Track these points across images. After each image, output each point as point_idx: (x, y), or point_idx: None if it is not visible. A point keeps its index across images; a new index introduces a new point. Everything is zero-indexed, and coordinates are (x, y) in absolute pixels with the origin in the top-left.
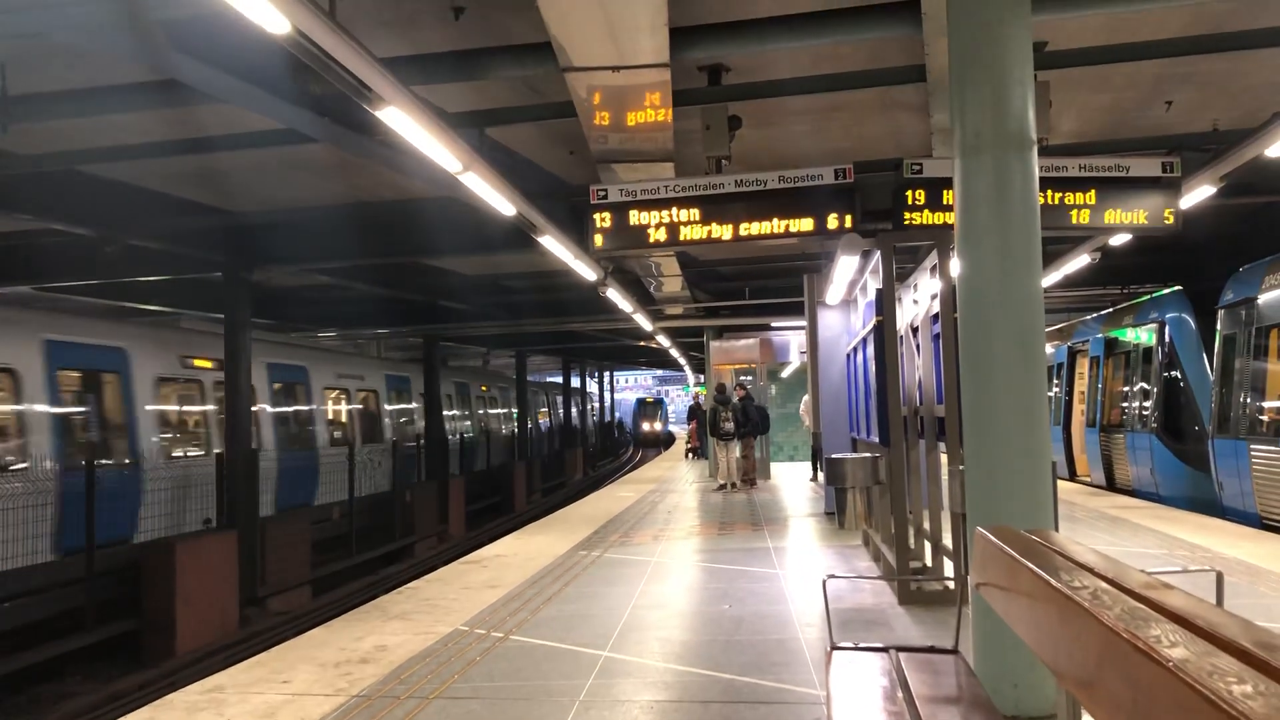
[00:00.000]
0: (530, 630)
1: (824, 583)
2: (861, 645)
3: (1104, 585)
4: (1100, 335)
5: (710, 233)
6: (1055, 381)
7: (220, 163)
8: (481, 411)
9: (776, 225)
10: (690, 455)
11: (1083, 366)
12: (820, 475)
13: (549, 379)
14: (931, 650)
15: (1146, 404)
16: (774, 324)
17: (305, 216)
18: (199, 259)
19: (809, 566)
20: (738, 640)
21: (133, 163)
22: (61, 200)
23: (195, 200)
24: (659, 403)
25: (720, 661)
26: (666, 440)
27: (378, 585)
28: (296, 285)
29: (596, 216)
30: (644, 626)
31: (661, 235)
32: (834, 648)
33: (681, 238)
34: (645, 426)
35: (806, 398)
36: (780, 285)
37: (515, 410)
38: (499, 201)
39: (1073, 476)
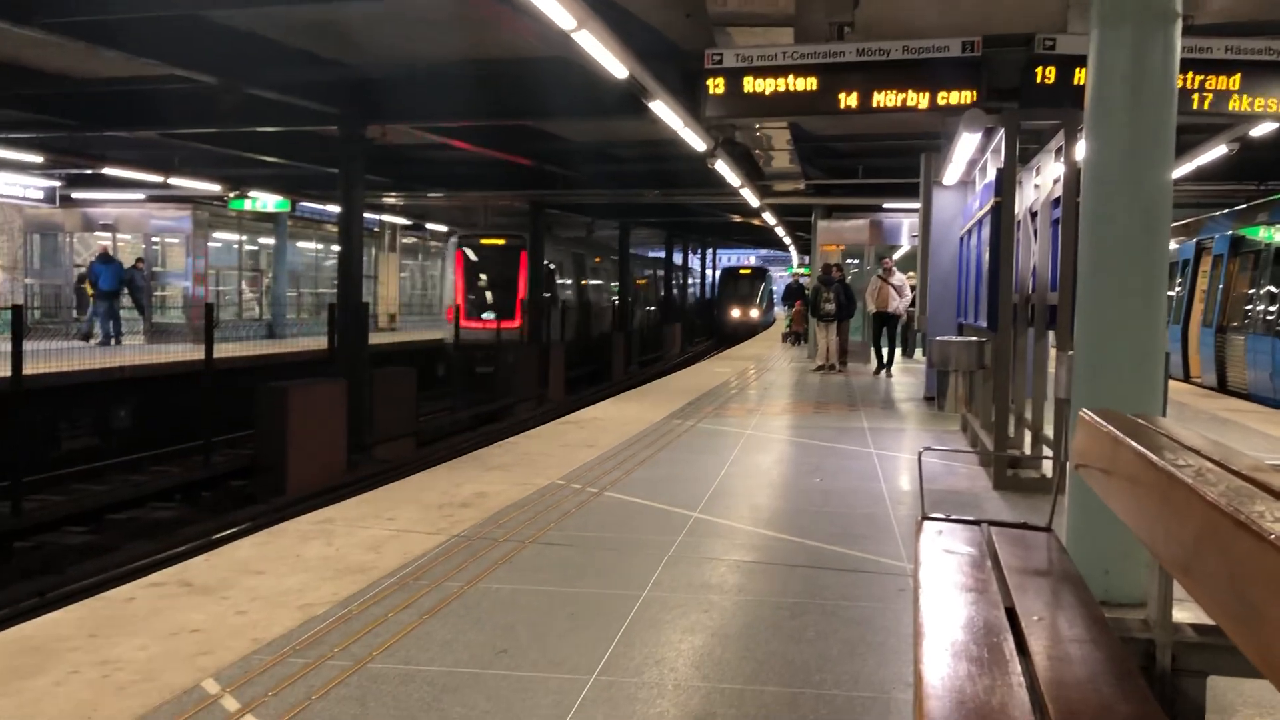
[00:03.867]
0: (623, 488)
1: (919, 455)
2: (953, 517)
3: (1209, 465)
4: (1229, 233)
5: (827, 102)
6: (1178, 280)
7: (340, 13)
8: (588, 281)
9: (897, 98)
10: (790, 340)
11: (1206, 265)
12: (883, 367)
13: (650, 253)
14: (1024, 527)
15: (1272, 307)
16: (885, 205)
17: (421, 72)
18: (315, 112)
19: (903, 447)
20: (827, 511)
21: (255, 10)
22: (184, 46)
23: (314, 52)
24: (760, 275)
25: (808, 530)
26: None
27: (479, 440)
28: (408, 144)
29: (710, 82)
30: (734, 493)
31: (776, 104)
32: (925, 517)
33: (798, 107)
34: (735, 313)
35: (876, 278)
36: (894, 165)
37: (617, 282)
38: (611, 63)
39: (1188, 378)
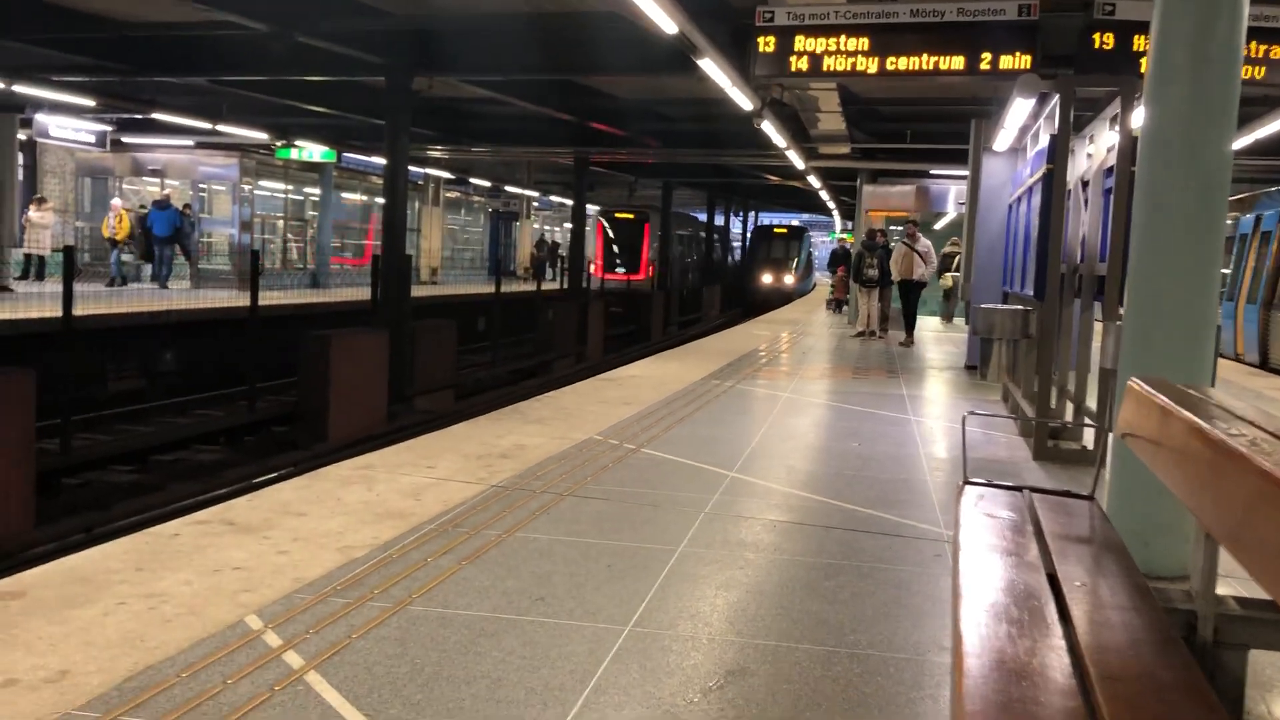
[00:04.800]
0: (660, 446)
1: (963, 419)
2: (994, 482)
3: (1263, 435)
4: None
5: (878, 64)
6: (1233, 255)
7: None
8: (680, 246)
9: (950, 61)
10: (833, 307)
11: (1256, 241)
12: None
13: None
14: (1067, 494)
15: None
16: (932, 171)
17: (471, 24)
18: (364, 61)
19: (942, 414)
20: (864, 475)
21: None
22: None
23: (364, 1)
24: (797, 235)
25: (845, 493)
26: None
27: (517, 395)
28: (454, 97)
29: (760, 40)
30: (771, 454)
31: (826, 64)
32: (966, 482)
33: (847, 68)
34: (766, 278)
35: (901, 244)
36: (942, 130)
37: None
38: (661, 18)
39: (1237, 357)
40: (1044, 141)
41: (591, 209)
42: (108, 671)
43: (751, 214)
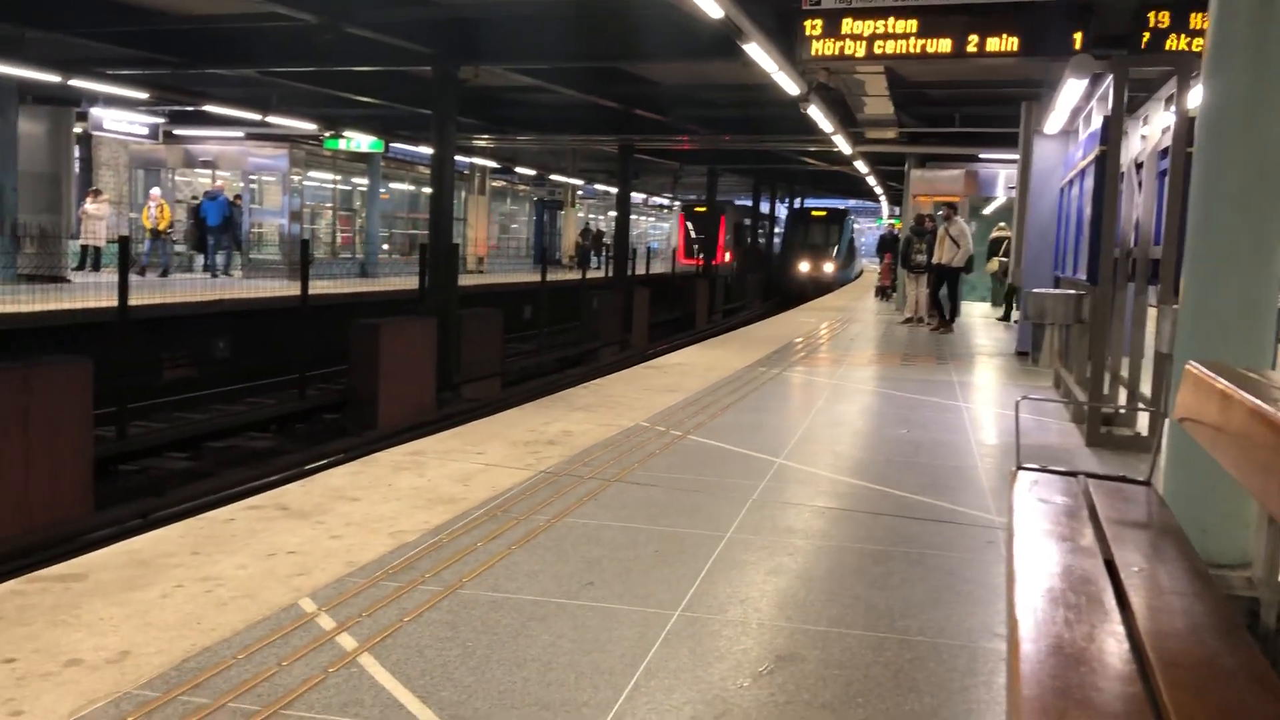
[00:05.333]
0: (707, 433)
1: (1016, 403)
2: (1049, 468)
3: None
4: None
5: (927, 46)
6: None
7: None
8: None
9: (1001, 43)
10: (881, 295)
11: None
12: (944, 323)
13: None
14: (1123, 480)
15: None
16: (982, 155)
17: (514, 12)
18: (411, 51)
19: (992, 400)
20: (913, 462)
21: None
22: None
23: None
24: (838, 219)
25: (894, 480)
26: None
27: (563, 382)
28: (499, 85)
29: (807, 23)
30: (819, 440)
31: (874, 47)
32: (1020, 467)
33: (896, 51)
34: (803, 265)
35: (942, 229)
36: (992, 113)
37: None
38: (705, 1)
39: None
40: (1097, 123)
41: (632, 200)
42: (167, 652)
43: (797, 200)
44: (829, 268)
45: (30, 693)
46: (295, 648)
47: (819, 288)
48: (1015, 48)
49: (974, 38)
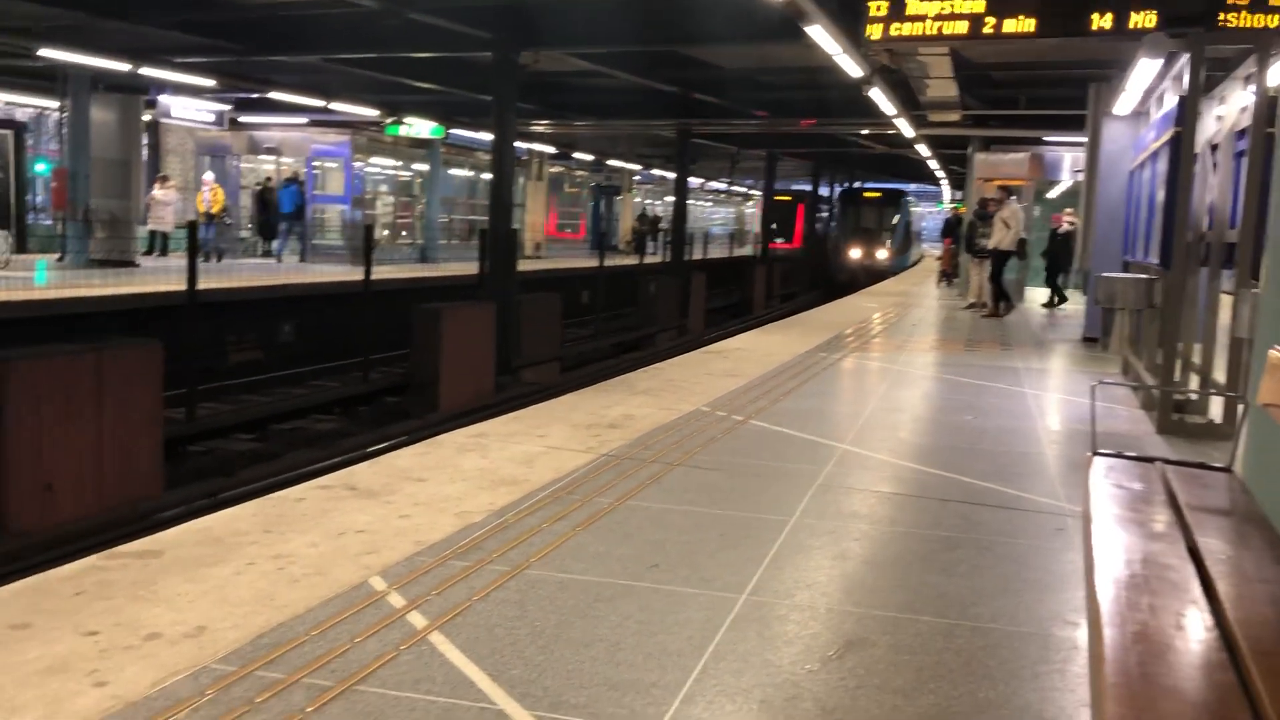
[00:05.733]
0: (768, 417)
1: (1092, 389)
2: (1126, 453)
3: None
4: None
5: (994, 27)
6: None
7: None
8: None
9: (1071, 22)
10: (943, 281)
11: None
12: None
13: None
14: (1202, 466)
15: None
16: (1047, 138)
17: None
18: (471, 37)
19: (1059, 386)
20: (979, 449)
21: None
22: None
23: None
24: (892, 200)
25: (960, 466)
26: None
27: (622, 367)
28: (558, 71)
29: (871, 5)
30: (883, 426)
31: (939, 28)
32: (1095, 453)
33: (962, 31)
34: (853, 252)
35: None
36: (1058, 95)
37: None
38: None
39: None
40: (1170, 104)
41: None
42: (242, 628)
43: (857, 184)
44: (883, 254)
45: (113, 665)
46: (367, 625)
47: (871, 276)
48: (1086, 27)
49: (1043, 17)
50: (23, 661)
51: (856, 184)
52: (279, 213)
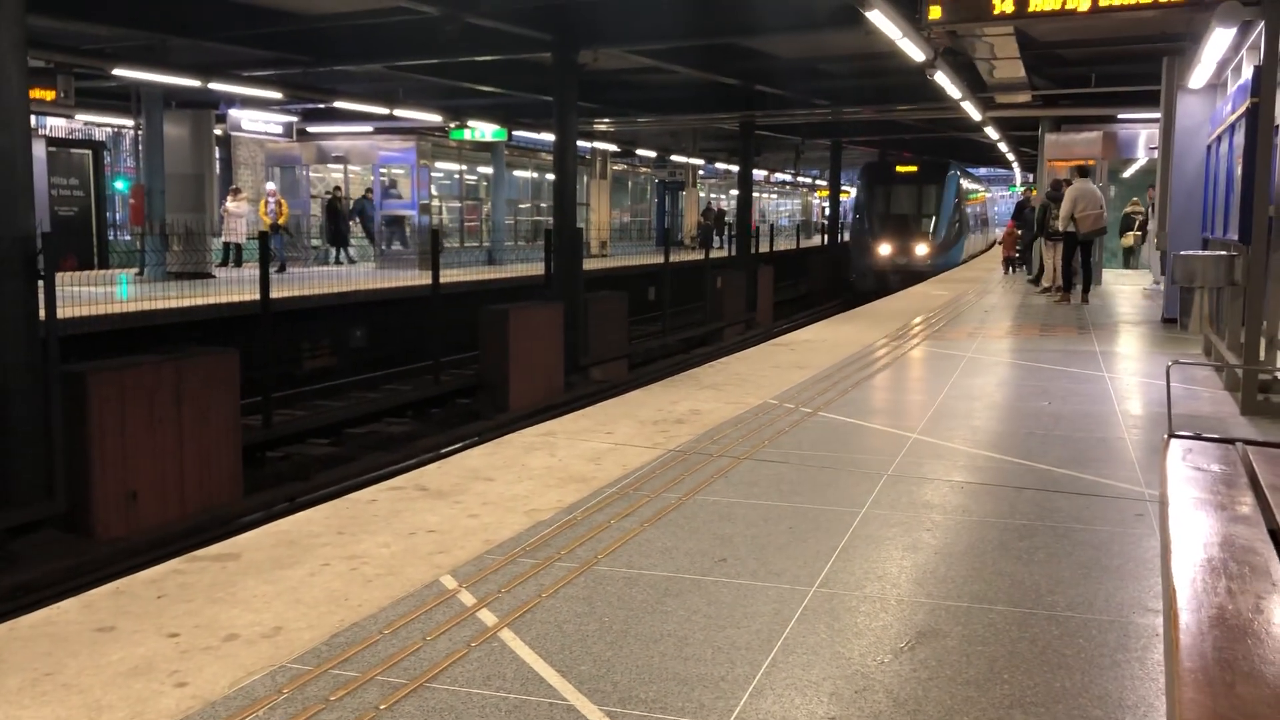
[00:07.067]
0: (837, 409)
1: (1167, 369)
2: (1204, 435)
3: None
4: None
5: (1061, 2)
6: None
7: None
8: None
9: None
10: (1009, 269)
11: None
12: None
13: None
14: None
15: None
16: (1120, 115)
17: None
18: (530, 38)
19: (1138, 369)
20: (1056, 435)
21: None
22: None
23: None
24: (934, 175)
25: (1036, 453)
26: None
27: (689, 362)
28: (617, 68)
29: None
30: (955, 414)
31: (1002, 7)
32: (1172, 435)
33: (1028, 8)
34: (883, 248)
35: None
36: (1130, 71)
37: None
38: None
39: None
40: (1246, 75)
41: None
42: (317, 628)
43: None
44: (923, 249)
45: (193, 665)
46: (438, 623)
47: (907, 278)
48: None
49: None
50: (108, 663)
51: (885, 158)
52: (361, 223)
